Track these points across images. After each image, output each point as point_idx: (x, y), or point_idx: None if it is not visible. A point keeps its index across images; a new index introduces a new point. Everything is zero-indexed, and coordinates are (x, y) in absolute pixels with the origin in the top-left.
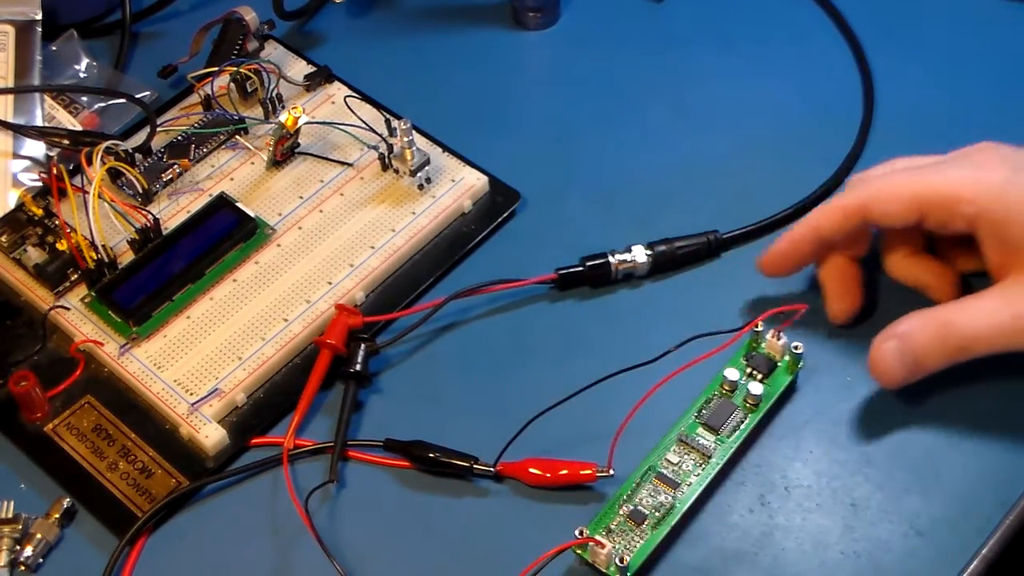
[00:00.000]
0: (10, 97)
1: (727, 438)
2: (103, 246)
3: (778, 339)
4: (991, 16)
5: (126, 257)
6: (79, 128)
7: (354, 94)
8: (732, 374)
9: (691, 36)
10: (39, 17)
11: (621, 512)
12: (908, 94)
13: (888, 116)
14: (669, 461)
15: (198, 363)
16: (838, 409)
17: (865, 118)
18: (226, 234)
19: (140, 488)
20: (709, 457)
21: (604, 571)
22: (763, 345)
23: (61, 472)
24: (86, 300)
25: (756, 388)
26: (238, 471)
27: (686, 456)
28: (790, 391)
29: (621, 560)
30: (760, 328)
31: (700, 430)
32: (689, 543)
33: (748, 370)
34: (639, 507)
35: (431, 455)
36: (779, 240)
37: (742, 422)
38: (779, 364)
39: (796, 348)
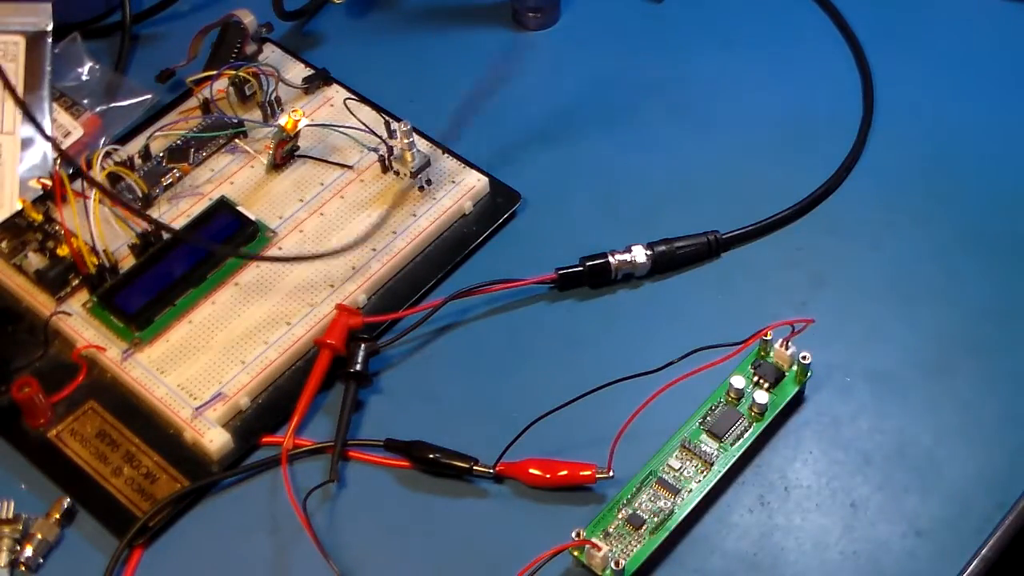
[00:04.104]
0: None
1: (730, 446)
2: (104, 251)
3: (786, 349)
4: (991, 16)
5: (127, 262)
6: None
7: (353, 96)
8: (738, 382)
9: (691, 36)
10: (50, 28)
11: (620, 516)
12: (908, 94)
13: (888, 116)
14: (671, 467)
15: (201, 367)
16: (838, 410)
17: (865, 118)
18: (227, 238)
19: (145, 493)
20: (711, 464)
21: (599, 574)
22: (771, 354)
23: (65, 477)
24: (87, 305)
25: (762, 397)
26: (238, 471)
27: (688, 462)
28: (797, 401)
29: (617, 564)
30: (769, 337)
31: (703, 437)
32: (689, 543)
33: (755, 378)
34: (638, 511)
35: (431, 455)
36: None
37: (746, 431)
38: (787, 374)
39: (804, 358)
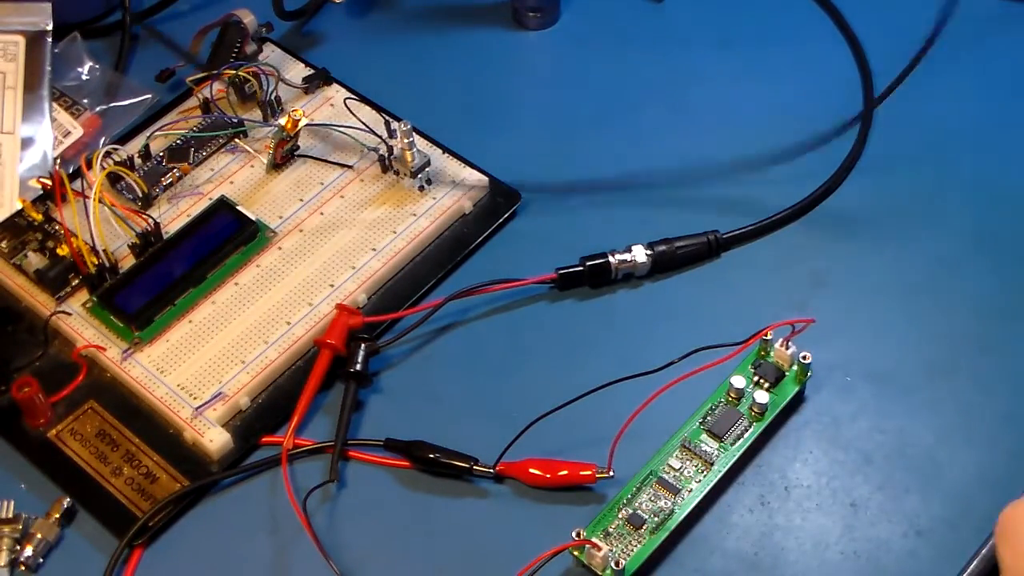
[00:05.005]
0: (19, 104)
1: (730, 446)
2: (104, 250)
3: (787, 348)
4: (991, 16)
5: (127, 262)
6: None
7: (353, 96)
8: (739, 382)
9: (691, 36)
10: (50, 27)
11: (620, 515)
12: (908, 94)
13: (888, 116)
14: (671, 466)
15: (201, 367)
16: (838, 409)
17: (865, 118)
18: (227, 237)
19: (145, 493)
20: (711, 464)
21: (600, 574)
22: (771, 354)
23: (65, 477)
24: (87, 305)
25: (762, 397)
26: (238, 471)
27: (688, 462)
28: (797, 401)
29: (617, 564)
30: (769, 337)
31: (704, 436)
32: (689, 543)
33: (755, 378)
34: (638, 511)
35: (431, 455)
36: None
37: (746, 430)
38: (787, 374)
39: (804, 358)
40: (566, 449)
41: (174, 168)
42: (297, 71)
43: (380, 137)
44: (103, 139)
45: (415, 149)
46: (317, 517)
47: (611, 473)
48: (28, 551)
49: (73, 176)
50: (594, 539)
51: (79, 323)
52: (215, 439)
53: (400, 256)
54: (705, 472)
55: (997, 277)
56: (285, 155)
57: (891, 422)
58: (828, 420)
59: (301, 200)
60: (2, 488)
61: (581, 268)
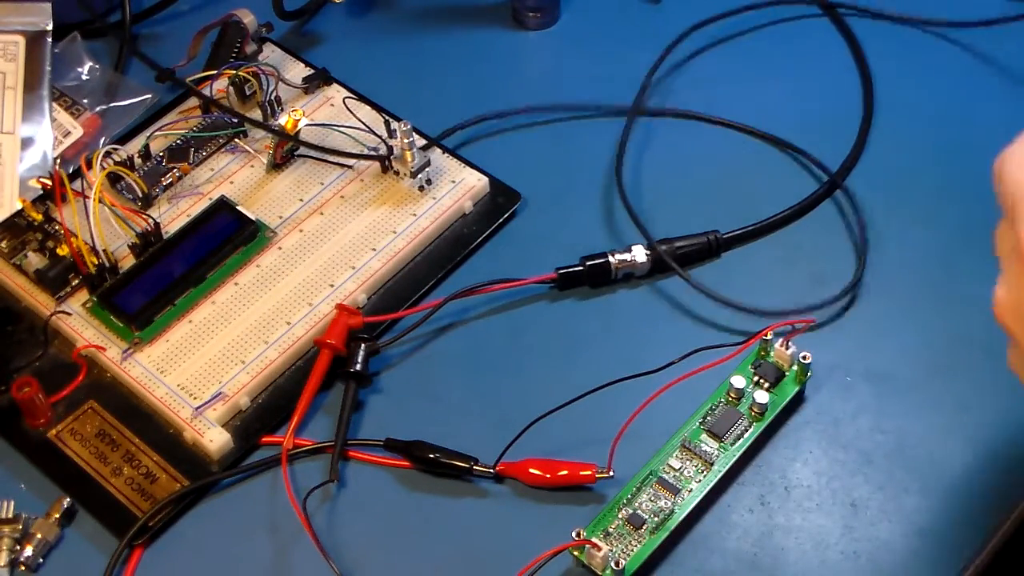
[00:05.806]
0: (19, 104)
1: (730, 446)
2: (104, 250)
3: (787, 348)
4: (991, 16)
5: (127, 262)
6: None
7: (353, 96)
8: (739, 382)
9: (690, 36)
10: (50, 27)
11: (620, 515)
12: (908, 94)
13: (888, 116)
14: (671, 466)
15: (201, 367)
16: (838, 409)
17: (865, 118)
18: (227, 237)
19: (145, 493)
20: (711, 464)
21: (600, 574)
22: (771, 354)
23: (65, 477)
24: (87, 305)
25: (762, 397)
26: (238, 471)
27: (688, 462)
28: (797, 401)
29: (617, 564)
30: (769, 337)
31: (704, 436)
32: (689, 543)
33: (755, 378)
34: (638, 511)
35: (431, 455)
36: None
37: (746, 430)
38: (787, 374)
39: (804, 358)
40: (566, 449)
41: (174, 168)
42: (297, 71)
43: (380, 137)
44: (103, 139)
45: (415, 149)
46: (317, 517)
47: (611, 473)
48: (28, 551)
49: (73, 176)
50: (594, 539)
51: (79, 323)
52: (215, 439)
53: (400, 256)
54: (705, 472)
55: (996, 276)
56: (285, 155)
57: (891, 422)
58: (828, 420)
59: (301, 200)
60: (2, 488)
61: (581, 268)
